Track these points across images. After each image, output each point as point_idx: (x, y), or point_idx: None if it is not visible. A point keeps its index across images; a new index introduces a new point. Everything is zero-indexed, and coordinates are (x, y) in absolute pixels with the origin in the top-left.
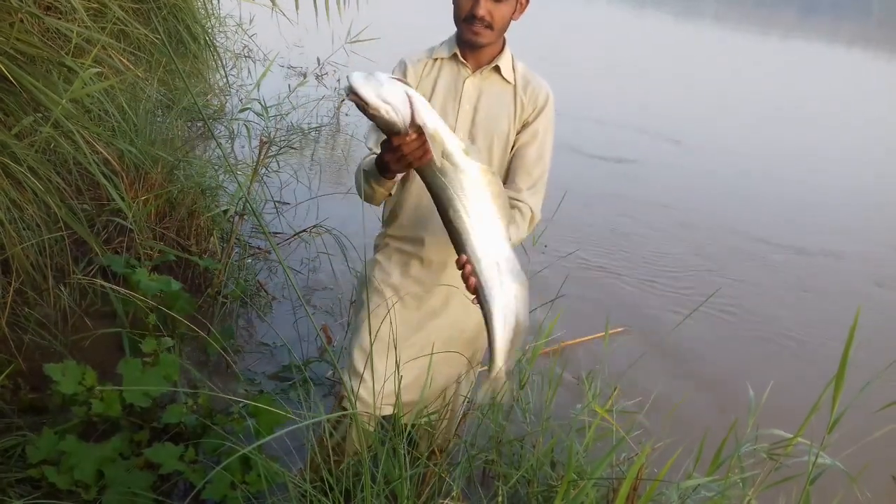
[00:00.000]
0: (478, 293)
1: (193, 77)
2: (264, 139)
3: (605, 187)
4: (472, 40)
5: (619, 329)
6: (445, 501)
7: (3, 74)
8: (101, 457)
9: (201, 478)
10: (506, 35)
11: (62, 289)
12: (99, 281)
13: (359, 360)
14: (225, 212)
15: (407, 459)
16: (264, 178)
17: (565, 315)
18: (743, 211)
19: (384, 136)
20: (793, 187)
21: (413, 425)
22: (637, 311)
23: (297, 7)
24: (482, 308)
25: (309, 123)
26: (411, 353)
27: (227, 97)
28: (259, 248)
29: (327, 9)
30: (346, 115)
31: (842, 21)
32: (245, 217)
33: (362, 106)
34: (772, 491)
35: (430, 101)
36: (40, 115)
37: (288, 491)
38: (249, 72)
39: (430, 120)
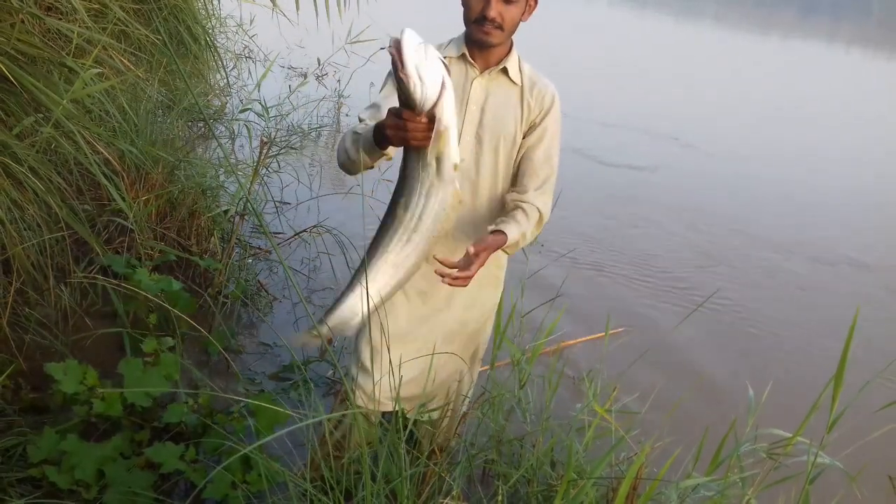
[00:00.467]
0: (362, 264)
1: (194, 77)
2: (265, 139)
3: (604, 187)
4: (483, 40)
5: (620, 329)
6: (445, 501)
7: (4, 75)
8: (101, 456)
9: (202, 477)
10: (512, 37)
11: (63, 289)
12: (101, 278)
13: (366, 354)
14: (225, 212)
15: (407, 459)
16: (265, 178)
17: (565, 315)
18: (743, 211)
19: (389, 108)
20: (793, 188)
21: (415, 422)
22: (637, 311)
23: (297, 7)
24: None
25: (309, 124)
26: (416, 346)
27: (228, 97)
28: (260, 248)
29: (327, 9)
30: (347, 115)
31: (841, 21)
32: (246, 217)
33: (397, 65)
34: (771, 490)
35: None
36: (41, 115)
37: (288, 490)
38: (250, 72)
39: (448, 117)
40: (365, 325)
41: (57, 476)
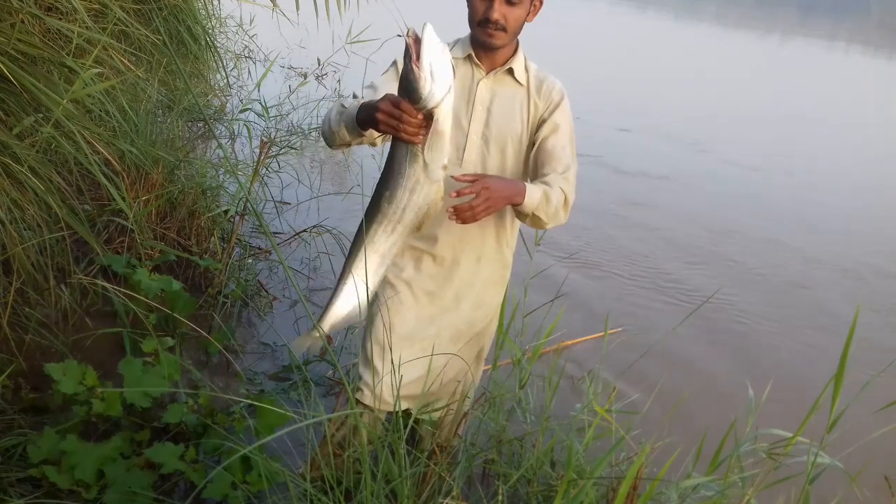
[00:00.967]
0: (347, 259)
1: (194, 77)
2: (265, 139)
3: (604, 188)
4: (487, 42)
5: (619, 329)
6: (445, 501)
7: (4, 75)
8: (101, 456)
9: (202, 477)
10: (518, 37)
11: (63, 289)
12: (101, 282)
13: (372, 353)
14: (226, 212)
15: (407, 459)
16: (265, 178)
17: (566, 315)
18: (744, 211)
19: (386, 93)
20: (795, 188)
21: (419, 420)
22: (637, 311)
23: (297, 7)
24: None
25: (309, 124)
26: (424, 346)
27: (228, 98)
28: (260, 248)
29: (328, 9)
30: None
31: (841, 21)
32: (246, 217)
33: (411, 57)
34: (771, 490)
35: None
36: (41, 115)
37: (289, 490)
38: (250, 72)
39: (445, 121)
40: (369, 320)
41: (57, 476)
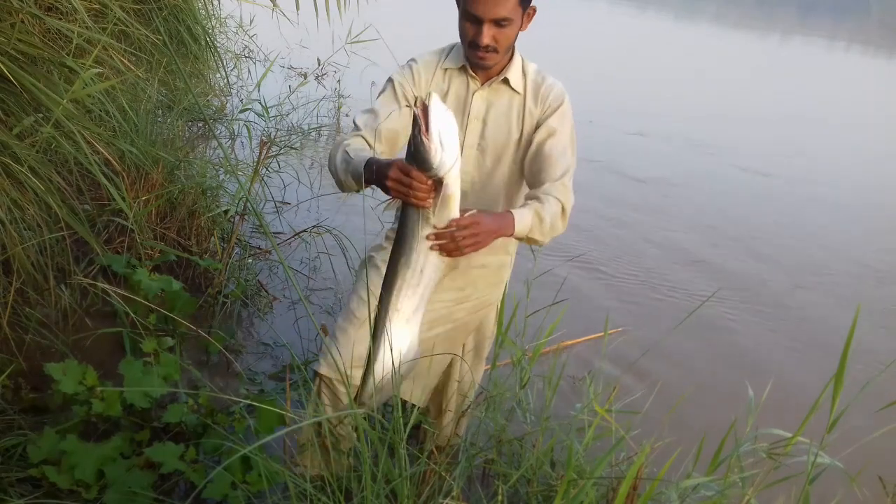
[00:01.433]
0: (376, 324)
1: (194, 77)
2: (265, 139)
3: (604, 188)
4: (479, 65)
5: (619, 329)
6: (445, 501)
7: (4, 75)
8: (101, 456)
9: (202, 477)
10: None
11: (63, 289)
12: (101, 284)
13: (338, 327)
14: (226, 212)
15: (407, 459)
16: (265, 178)
17: (566, 315)
18: (744, 211)
19: (395, 162)
20: (796, 188)
21: (418, 423)
22: (637, 312)
23: (297, 7)
24: (373, 331)
25: (309, 124)
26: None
27: (228, 98)
28: (259, 248)
29: (328, 9)
30: (347, 115)
31: (841, 21)
32: (246, 217)
33: (420, 128)
34: (771, 490)
35: None
36: (41, 115)
37: (288, 490)
38: (250, 72)
39: (454, 185)
40: (348, 299)
41: (57, 476)
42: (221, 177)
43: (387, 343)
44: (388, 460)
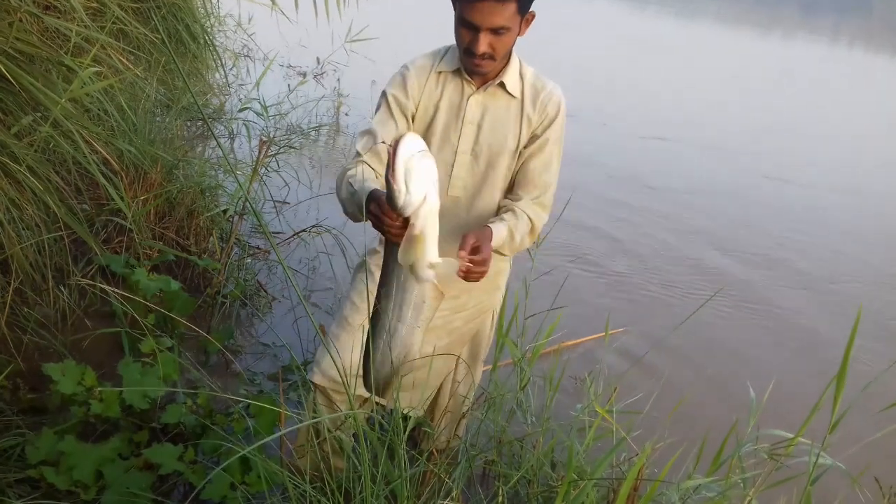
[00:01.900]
0: (366, 356)
1: (193, 76)
2: (264, 139)
3: (604, 188)
4: (475, 72)
5: (620, 329)
6: (445, 502)
7: (2, 74)
8: (100, 457)
9: (201, 478)
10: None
11: (61, 289)
12: (99, 284)
13: (336, 329)
14: (224, 211)
15: (406, 460)
16: (264, 177)
17: (567, 315)
18: (744, 211)
19: (375, 196)
20: (796, 188)
21: (417, 426)
22: (637, 312)
23: (296, 6)
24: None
25: (309, 123)
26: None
27: (227, 97)
28: (258, 248)
29: (327, 8)
30: (346, 114)
31: (843, 20)
32: (244, 217)
33: (390, 165)
34: (773, 491)
35: (433, 118)
36: (39, 114)
37: (287, 491)
38: (249, 71)
39: (422, 225)
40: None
41: (55, 477)
42: (220, 176)
43: (385, 339)
44: (388, 461)
